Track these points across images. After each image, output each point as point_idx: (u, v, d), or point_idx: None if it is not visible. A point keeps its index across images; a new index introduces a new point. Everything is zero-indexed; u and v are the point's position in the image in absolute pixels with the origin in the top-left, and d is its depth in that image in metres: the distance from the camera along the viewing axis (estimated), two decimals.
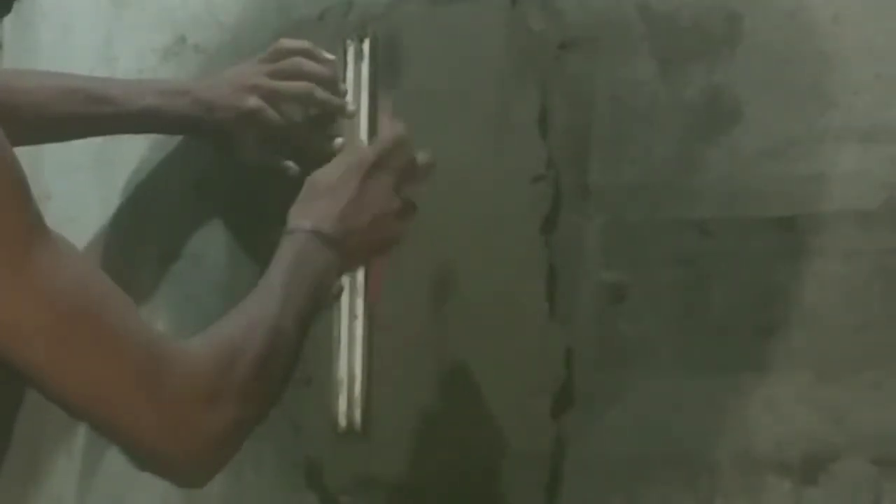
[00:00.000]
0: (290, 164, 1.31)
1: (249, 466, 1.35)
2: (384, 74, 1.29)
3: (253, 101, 1.27)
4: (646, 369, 1.19)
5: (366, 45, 1.29)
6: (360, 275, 1.27)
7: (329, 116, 1.29)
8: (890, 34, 1.12)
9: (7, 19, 1.54)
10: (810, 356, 1.12)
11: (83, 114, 1.31)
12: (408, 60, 1.30)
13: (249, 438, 1.32)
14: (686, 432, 1.17)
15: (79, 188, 1.50)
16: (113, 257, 1.49)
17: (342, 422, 1.26)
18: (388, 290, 1.28)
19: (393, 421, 1.28)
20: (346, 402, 1.27)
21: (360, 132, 1.29)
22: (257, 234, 1.40)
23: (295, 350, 1.03)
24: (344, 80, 1.30)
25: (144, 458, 0.93)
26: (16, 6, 1.40)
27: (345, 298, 1.27)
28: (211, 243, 1.42)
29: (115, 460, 1.43)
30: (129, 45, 1.47)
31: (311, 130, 1.30)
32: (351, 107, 1.28)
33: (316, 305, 1.08)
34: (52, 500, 1.47)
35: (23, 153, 1.44)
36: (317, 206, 1.12)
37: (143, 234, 1.46)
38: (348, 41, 1.30)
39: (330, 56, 1.29)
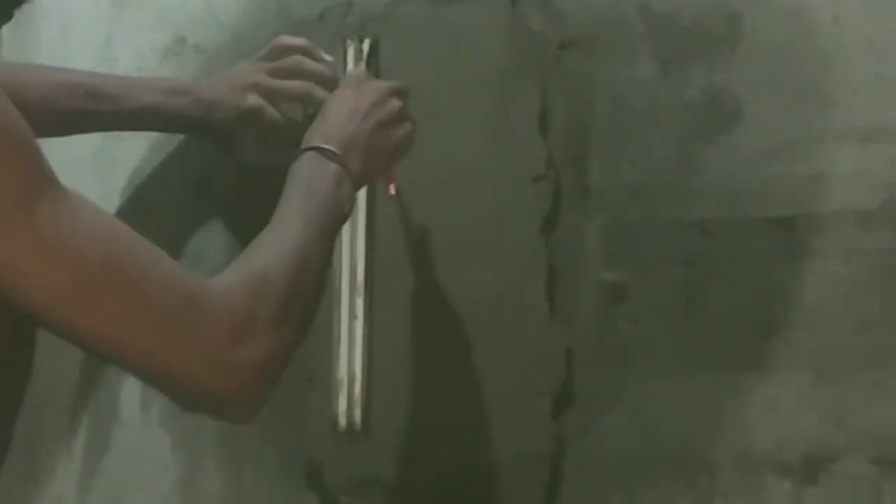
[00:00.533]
0: (291, 163, 1.30)
1: (249, 466, 1.35)
2: (384, 74, 1.29)
3: (253, 100, 1.27)
4: (646, 369, 1.19)
5: (366, 45, 1.30)
6: (361, 275, 1.27)
7: None
8: (890, 34, 1.12)
9: None
10: (810, 356, 1.12)
11: (84, 109, 1.31)
12: (408, 60, 1.30)
13: (250, 438, 1.32)
14: (686, 432, 1.17)
15: (79, 187, 1.49)
16: None
17: (342, 422, 1.27)
18: (388, 289, 1.29)
19: (393, 421, 1.28)
20: (346, 402, 1.27)
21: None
22: (257, 234, 1.39)
23: (320, 270, 1.03)
24: None
25: (187, 398, 0.95)
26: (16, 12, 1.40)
27: (345, 298, 1.27)
28: (211, 243, 1.42)
29: (115, 460, 1.44)
30: (129, 45, 1.47)
31: None
32: None
33: (334, 222, 1.08)
34: (52, 500, 1.47)
35: None
36: (320, 127, 1.13)
37: (143, 234, 1.46)
38: (348, 41, 1.30)
39: (328, 57, 1.29)
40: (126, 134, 1.46)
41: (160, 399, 1.42)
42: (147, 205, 1.47)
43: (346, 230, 1.28)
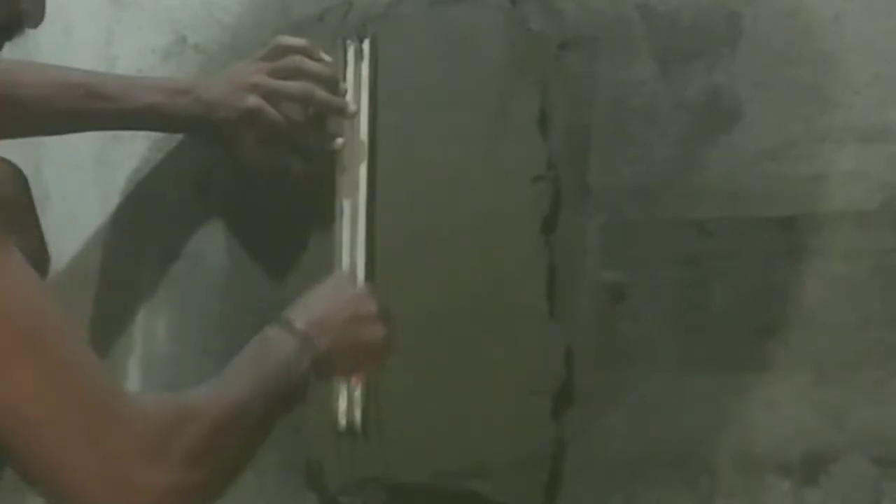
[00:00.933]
0: (291, 163, 1.31)
1: (249, 466, 1.35)
2: (384, 74, 1.29)
3: (253, 100, 1.27)
4: (646, 369, 1.19)
5: (366, 45, 1.30)
6: (360, 273, 1.27)
7: (329, 116, 1.29)
8: (890, 34, 1.12)
9: None
10: (810, 356, 1.12)
11: (83, 109, 1.30)
12: (408, 60, 1.30)
13: None
14: (686, 432, 1.17)
15: (79, 188, 1.50)
16: (113, 257, 1.49)
17: (342, 422, 1.27)
18: (388, 289, 1.29)
19: (393, 421, 1.28)
20: (346, 402, 1.27)
21: (359, 132, 1.29)
22: (257, 234, 1.40)
23: (257, 431, 0.99)
24: (344, 79, 1.30)
25: None
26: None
27: None
28: (211, 243, 1.42)
29: None
30: (129, 45, 1.47)
31: (311, 130, 1.30)
32: (352, 107, 1.28)
33: (285, 390, 1.03)
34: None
35: (22, 153, 1.45)
36: (297, 306, 1.11)
37: (143, 234, 1.46)
38: (348, 41, 1.30)
39: (328, 57, 1.29)
40: (126, 135, 1.46)
41: None
42: (147, 205, 1.47)
43: (346, 230, 1.28)
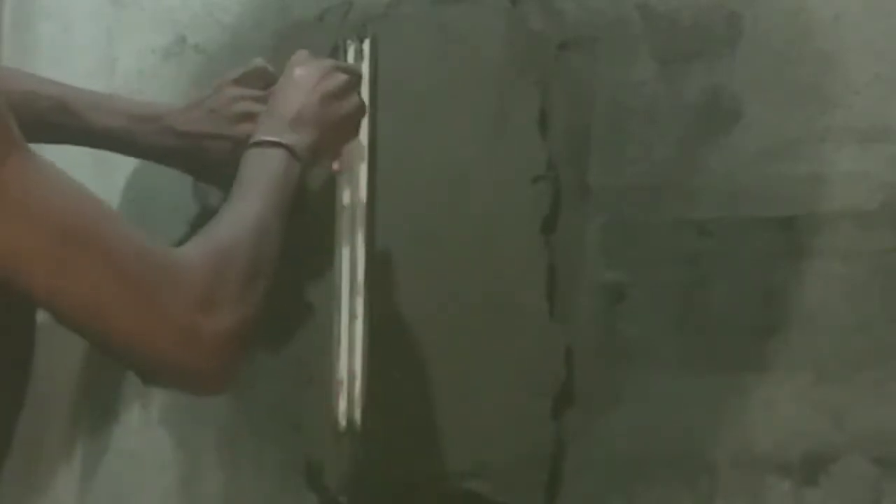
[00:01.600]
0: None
1: (249, 466, 1.35)
2: (384, 75, 1.29)
3: (248, 128, 1.21)
4: (646, 369, 1.19)
5: (366, 45, 1.30)
6: (360, 275, 1.27)
7: None
8: (890, 34, 1.12)
9: (7, 18, 1.54)
10: (810, 356, 1.12)
11: (49, 122, 1.26)
12: (408, 60, 1.30)
13: (250, 438, 1.32)
14: (686, 432, 1.17)
15: None
16: None
17: (342, 422, 1.27)
18: (388, 289, 1.29)
19: (393, 421, 1.28)
20: (346, 402, 1.27)
21: (359, 132, 1.29)
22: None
23: (278, 244, 1.04)
24: None
25: (153, 368, 0.94)
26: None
27: (345, 298, 1.27)
28: None
29: (115, 460, 1.44)
30: (129, 45, 1.47)
31: None
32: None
33: (286, 198, 1.08)
34: (52, 500, 1.47)
35: None
36: (270, 109, 1.16)
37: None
38: (348, 41, 1.30)
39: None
40: None
41: (160, 399, 1.42)
42: (147, 205, 1.47)
43: (346, 230, 1.28)
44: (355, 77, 1.22)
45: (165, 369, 0.94)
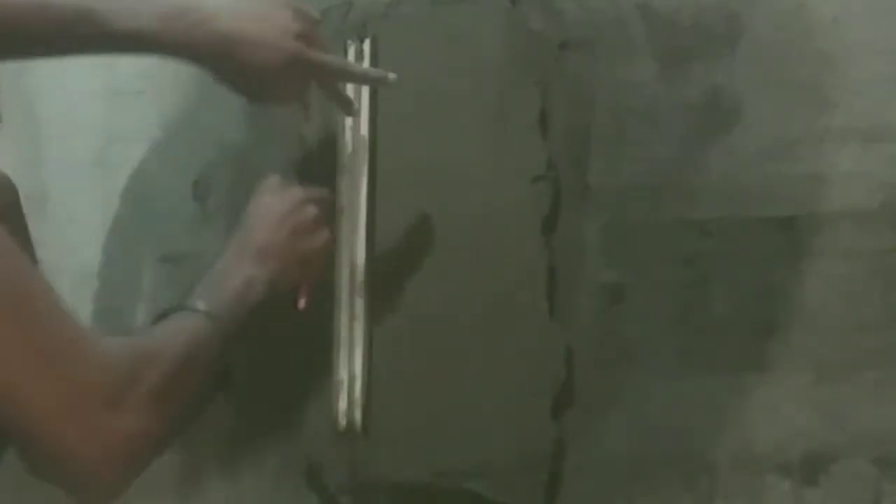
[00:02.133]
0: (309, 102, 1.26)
1: (249, 467, 1.35)
2: None
3: (297, 46, 1.16)
4: (646, 369, 1.19)
5: (366, 45, 1.30)
6: (360, 275, 1.27)
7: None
8: (890, 34, 1.12)
9: None
10: (810, 356, 1.12)
11: (70, 33, 1.18)
12: (408, 60, 1.30)
13: (250, 439, 1.32)
14: (686, 432, 1.17)
15: (79, 188, 1.50)
16: (113, 257, 1.49)
17: (342, 422, 1.27)
18: (388, 289, 1.29)
19: (393, 421, 1.28)
20: (346, 402, 1.27)
21: (360, 132, 1.29)
22: None
23: (211, 368, 1.01)
24: None
25: (43, 453, 0.89)
26: None
27: (345, 298, 1.27)
28: (211, 243, 1.42)
29: None
30: None
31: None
32: (356, 105, 1.28)
33: (239, 330, 1.06)
34: (52, 500, 1.47)
35: (23, 153, 1.45)
36: (238, 238, 1.14)
37: (143, 234, 1.46)
38: (348, 41, 1.30)
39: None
40: (126, 135, 1.46)
41: None
42: (147, 205, 1.47)
43: (346, 230, 1.28)
44: (328, 205, 1.20)
45: (52, 452, 0.88)
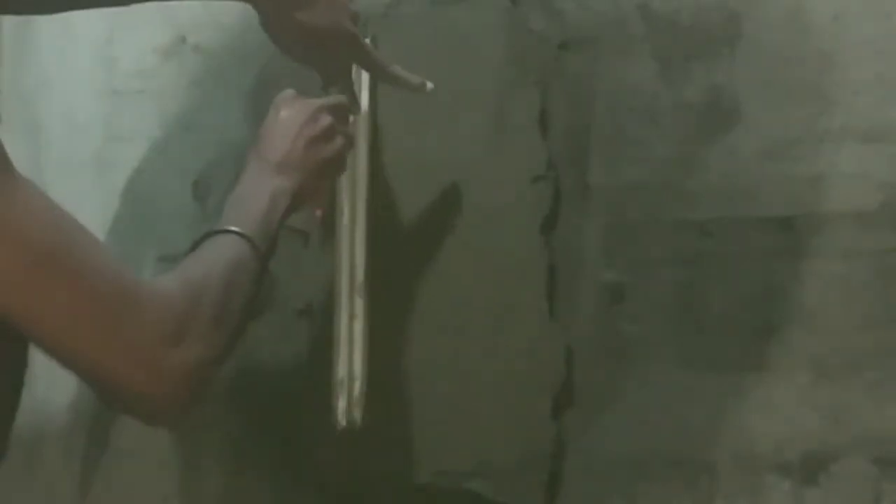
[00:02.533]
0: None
1: (249, 466, 1.35)
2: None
3: (353, 28, 1.21)
4: (645, 369, 1.19)
5: None
6: (360, 275, 1.27)
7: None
8: (890, 34, 1.12)
9: (7, 18, 1.54)
10: (810, 356, 1.12)
11: None
12: (408, 60, 1.30)
13: (250, 438, 1.32)
14: (686, 432, 1.17)
15: (79, 188, 1.50)
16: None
17: (342, 422, 1.27)
18: (388, 289, 1.29)
19: (393, 421, 1.28)
20: (346, 402, 1.27)
21: (360, 132, 1.29)
22: None
23: (253, 283, 1.04)
24: None
25: (116, 393, 0.94)
26: None
27: (345, 298, 1.27)
28: None
29: (114, 460, 1.44)
30: (129, 45, 1.47)
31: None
32: (362, 105, 1.28)
33: (272, 244, 1.09)
34: (52, 500, 1.47)
35: (23, 153, 1.43)
36: (257, 148, 1.14)
37: (143, 234, 1.46)
38: None
39: None
40: (126, 135, 1.46)
41: None
42: (147, 205, 1.47)
43: (346, 230, 1.28)
44: (342, 111, 1.20)
45: (125, 394, 0.93)
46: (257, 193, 1.10)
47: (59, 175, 1.51)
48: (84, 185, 1.50)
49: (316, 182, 1.16)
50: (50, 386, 1.39)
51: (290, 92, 1.19)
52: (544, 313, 1.23)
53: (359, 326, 1.27)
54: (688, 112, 1.19)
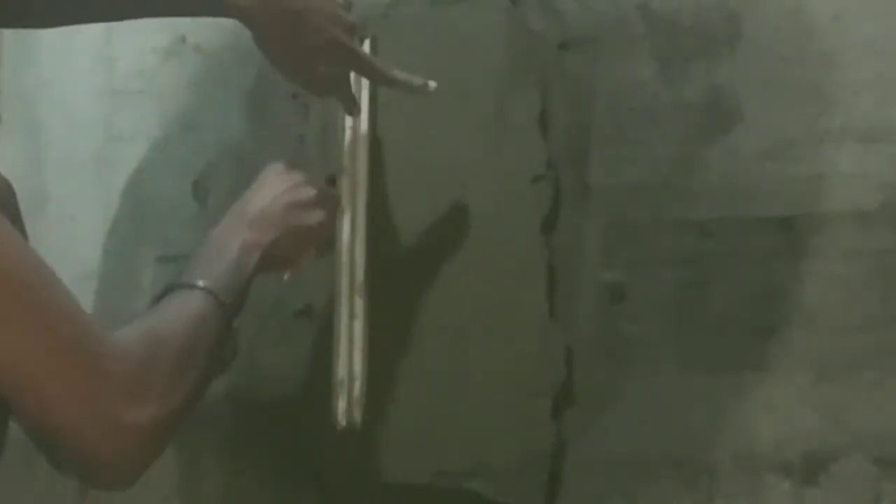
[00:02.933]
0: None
1: (249, 466, 1.35)
2: None
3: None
4: (646, 369, 1.19)
5: (366, 45, 1.30)
6: (360, 275, 1.27)
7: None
8: (890, 34, 1.12)
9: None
10: (810, 356, 1.12)
11: None
12: (408, 60, 1.30)
13: (250, 438, 1.32)
14: (686, 432, 1.17)
15: (79, 188, 1.50)
16: (113, 257, 1.49)
17: (342, 422, 1.27)
18: (388, 289, 1.29)
19: (393, 421, 1.28)
20: (346, 402, 1.27)
21: (360, 132, 1.29)
22: None
23: (215, 342, 1.01)
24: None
25: (64, 449, 0.89)
26: None
27: (345, 298, 1.27)
28: None
29: None
30: (129, 45, 1.47)
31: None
32: (363, 105, 1.28)
33: (239, 301, 1.06)
34: (51, 500, 1.47)
35: (23, 153, 1.45)
36: (238, 207, 1.13)
37: (143, 234, 1.46)
38: None
39: None
40: (126, 135, 1.46)
41: None
42: (147, 205, 1.47)
43: (346, 231, 1.28)
44: (328, 196, 1.20)
45: (73, 448, 0.88)
46: (227, 245, 1.08)
47: (59, 175, 1.51)
48: (84, 185, 1.50)
49: (290, 245, 1.14)
50: None
51: (278, 164, 1.19)
52: (544, 313, 1.23)
53: (359, 326, 1.27)
54: (688, 112, 1.19)
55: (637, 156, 1.21)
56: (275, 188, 1.15)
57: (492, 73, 1.27)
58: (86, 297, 1.51)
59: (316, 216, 1.17)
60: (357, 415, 1.27)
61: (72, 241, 1.51)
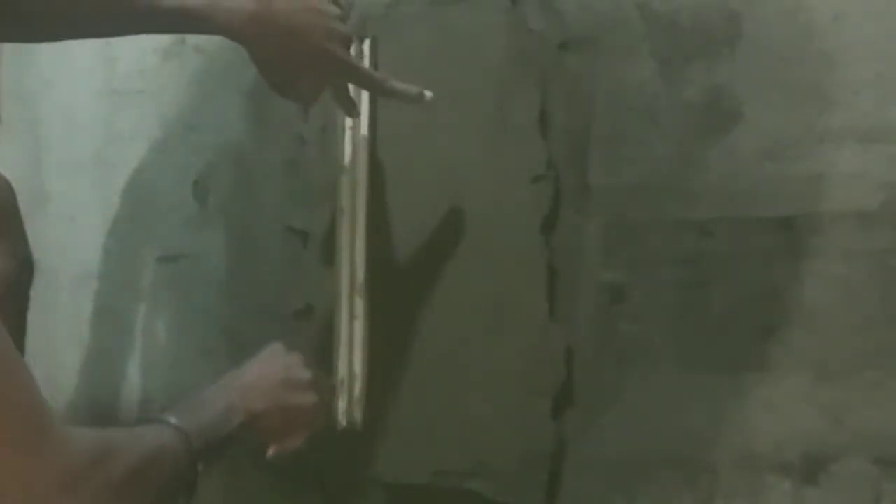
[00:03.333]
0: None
1: (249, 466, 1.35)
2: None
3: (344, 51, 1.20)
4: (646, 369, 1.19)
5: (366, 45, 1.30)
6: (360, 275, 1.27)
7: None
8: (890, 34, 1.12)
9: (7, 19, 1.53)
10: (810, 356, 1.12)
11: (113, 12, 1.17)
12: (407, 61, 1.30)
13: (250, 438, 1.32)
14: (686, 432, 1.17)
15: (79, 188, 1.50)
16: (113, 257, 1.49)
17: (342, 422, 1.27)
18: (388, 289, 1.29)
19: (393, 421, 1.28)
20: (346, 402, 1.27)
21: (360, 132, 1.29)
22: (257, 234, 1.40)
23: (177, 474, 1.00)
24: None
25: None
26: None
27: (345, 298, 1.27)
28: (211, 243, 1.42)
29: None
30: (129, 45, 1.47)
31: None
32: (362, 107, 1.28)
33: (217, 451, 1.06)
34: None
35: (23, 153, 1.44)
36: (233, 377, 1.14)
37: (143, 233, 1.46)
38: None
39: None
40: (126, 135, 1.46)
41: (159, 399, 1.42)
42: (147, 205, 1.47)
43: (346, 231, 1.28)
44: (323, 382, 1.21)
45: None
46: (213, 403, 1.08)
47: (59, 175, 1.51)
48: (84, 185, 1.50)
49: (278, 421, 1.14)
50: (48, 385, 1.39)
51: (279, 344, 1.20)
52: (544, 313, 1.23)
53: (359, 326, 1.27)
54: (688, 112, 1.19)
55: (637, 156, 1.21)
56: (273, 365, 1.16)
57: (492, 73, 1.27)
58: (86, 297, 1.51)
59: (308, 398, 1.17)
60: (357, 415, 1.27)
61: (72, 241, 1.51)
